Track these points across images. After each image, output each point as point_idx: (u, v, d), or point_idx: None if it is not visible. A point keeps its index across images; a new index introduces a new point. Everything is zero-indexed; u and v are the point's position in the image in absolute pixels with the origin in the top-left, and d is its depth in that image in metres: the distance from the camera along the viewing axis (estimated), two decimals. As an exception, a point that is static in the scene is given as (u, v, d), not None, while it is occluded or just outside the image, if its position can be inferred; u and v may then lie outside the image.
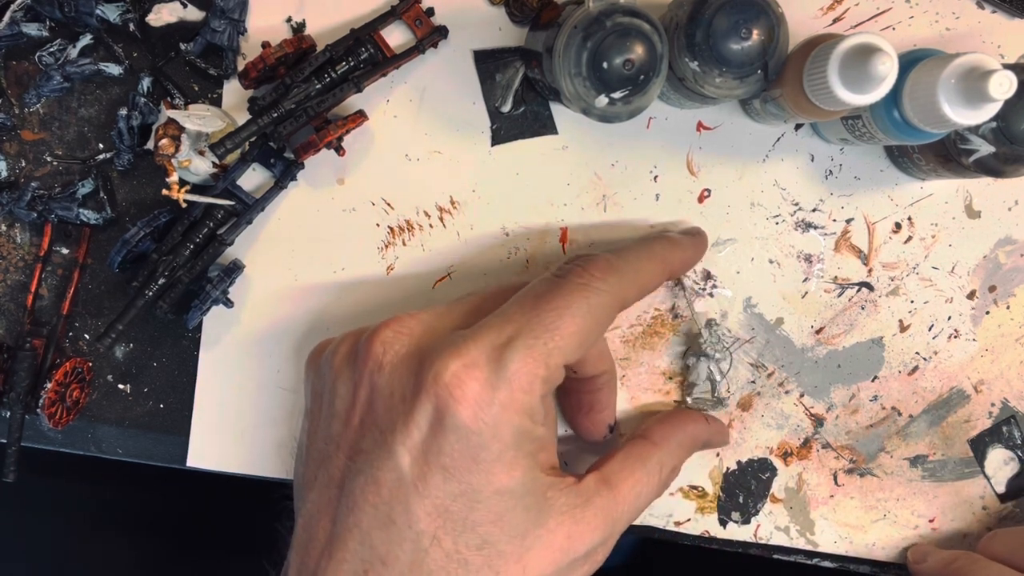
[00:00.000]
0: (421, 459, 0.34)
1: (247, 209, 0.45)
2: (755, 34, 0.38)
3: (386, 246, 0.47)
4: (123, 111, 0.44)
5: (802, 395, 0.48)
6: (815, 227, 0.47)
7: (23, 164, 0.46)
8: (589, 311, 0.36)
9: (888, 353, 0.48)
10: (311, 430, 0.39)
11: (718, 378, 0.46)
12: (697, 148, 0.47)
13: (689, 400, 0.47)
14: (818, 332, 0.48)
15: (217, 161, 0.44)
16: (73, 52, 0.45)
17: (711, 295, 0.47)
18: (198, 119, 0.43)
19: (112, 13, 0.44)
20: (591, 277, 0.37)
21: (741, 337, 0.48)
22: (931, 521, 0.49)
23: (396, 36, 0.45)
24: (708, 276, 0.47)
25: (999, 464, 0.47)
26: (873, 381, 0.48)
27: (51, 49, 0.45)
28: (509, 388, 0.34)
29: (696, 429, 0.44)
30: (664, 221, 0.47)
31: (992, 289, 0.48)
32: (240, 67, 0.45)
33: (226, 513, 0.66)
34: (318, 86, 0.42)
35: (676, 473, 0.43)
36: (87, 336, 0.47)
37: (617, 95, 0.38)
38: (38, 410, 0.44)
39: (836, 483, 0.49)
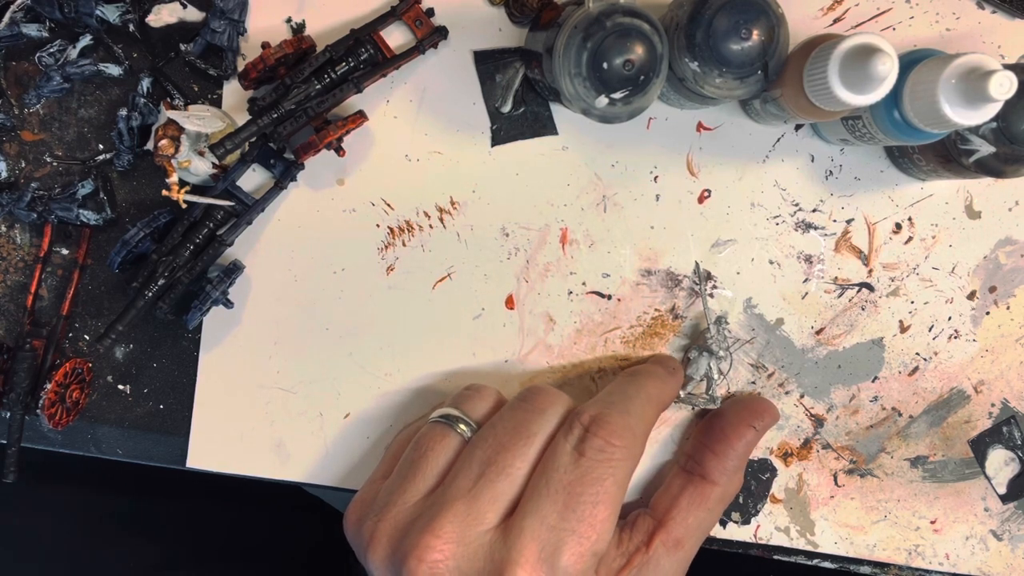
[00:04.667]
0: None
1: (247, 210, 0.45)
2: (755, 34, 0.38)
3: (386, 246, 0.47)
4: (123, 112, 0.44)
5: (802, 396, 0.48)
6: (815, 228, 0.47)
7: (23, 165, 0.46)
8: (618, 487, 0.38)
9: (888, 354, 0.48)
10: None
11: (716, 376, 0.46)
12: (697, 148, 0.47)
13: (681, 394, 0.47)
14: (818, 333, 0.48)
15: (217, 162, 0.44)
16: (73, 53, 0.45)
17: (711, 296, 0.47)
18: (198, 120, 0.43)
19: (112, 14, 0.44)
20: (613, 449, 0.38)
21: (741, 338, 0.48)
22: (932, 522, 0.49)
23: (396, 36, 0.45)
24: (708, 277, 0.47)
25: (1000, 465, 0.47)
26: (873, 382, 0.48)
27: (51, 50, 0.45)
28: None
29: (751, 439, 0.45)
30: (642, 355, 0.48)
31: (992, 290, 0.48)
32: (240, 68, 0.45)
33: (226, 514, 0.66)
34: (318, 87, 0.42)
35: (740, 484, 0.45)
36: (87, 337, 0.47)
37: (617, 95, 0.37)
38: (38, 411, 0.44)
39: (836, 484, 0.49)
